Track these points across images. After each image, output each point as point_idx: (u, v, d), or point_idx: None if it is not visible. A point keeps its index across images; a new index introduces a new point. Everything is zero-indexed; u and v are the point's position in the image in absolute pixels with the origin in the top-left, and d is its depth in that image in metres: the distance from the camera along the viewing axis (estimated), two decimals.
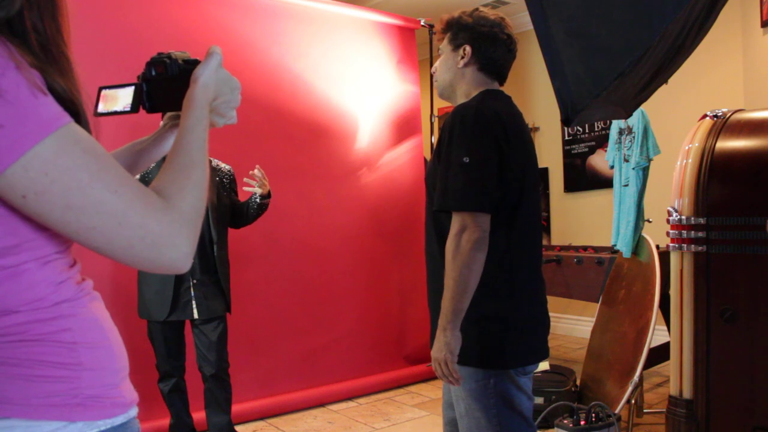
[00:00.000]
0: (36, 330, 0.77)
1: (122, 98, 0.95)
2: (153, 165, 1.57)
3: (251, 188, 2.90)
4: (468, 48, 1.77)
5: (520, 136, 1.72)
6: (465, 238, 1.58)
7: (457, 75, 1.81)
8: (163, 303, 2.74)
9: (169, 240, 0.77)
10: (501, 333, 1.68)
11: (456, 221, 1.61)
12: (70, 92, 0.78)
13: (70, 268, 0.83)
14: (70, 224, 0.73)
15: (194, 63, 0.95)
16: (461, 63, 1.78)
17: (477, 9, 1.82)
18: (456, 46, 1.79)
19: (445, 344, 1.60)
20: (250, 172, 2.88)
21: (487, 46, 1.76)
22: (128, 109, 0.95)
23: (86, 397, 0.79)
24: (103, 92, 0.97)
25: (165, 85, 0.96)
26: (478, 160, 1.60)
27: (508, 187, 1.65)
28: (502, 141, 1.64)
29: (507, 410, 1.70)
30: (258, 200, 2.92)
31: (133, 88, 0.95)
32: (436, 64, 1.88)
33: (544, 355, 1.78)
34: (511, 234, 1.69)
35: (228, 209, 2.93)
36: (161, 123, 1.12)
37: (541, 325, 1.80)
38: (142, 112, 0.98)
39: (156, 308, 2.76)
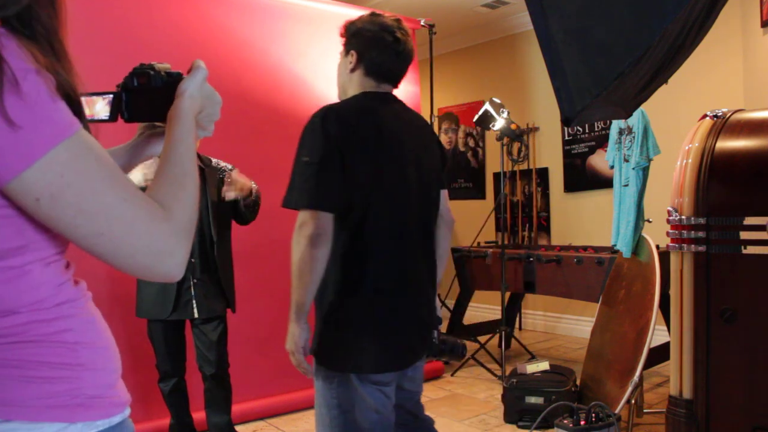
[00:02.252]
0: (37, 331, 0.77)
1: (101, 106, 0.96)
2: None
3: (231, 194, 2.78)
4: (354, 53, 1.81)
5: (378, 138, 1.72)
6: (302, 234, 1.64)
7: (346, 80, 1.85)
8: (165, 302, 2.73)
9: (169, 249, 0.78)
10: (339, 334, 1.70)
11: (298, 218, 1.67)
12: (76, 93, 0.79)
13: (67, 270, 0.83)
14: (79, 228, 0.74)
15: (176, 75, 0.96)
16: (349, 68, 1.82)
17: (373, 13, 1.85)
18: (346, 51, 1.84)
19: (290, 335, 1.69)
20: (226, 179, 2.78)
21: (371, 50, 1.78)
22: (106, 117, 0.95)
23: (87, 397, 0.79)
24: (83, 99, 0.98)
25: (146, 96, 0.96)
26: (317, 160, 1.64)
27: (355, 189, 1.66)
28: (344, 142, 1.65)
29: (344, 417, 1.69)
30: (241, 203, 2.84)
31: (112, 96, 0.95)
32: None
33: (391, 367, 1.73)
34: (359, 235, 1.68)
35: (229, 207, 2.92)
36: (137, 133, 1.10)
37: (398, 335, 1.75)
38: (119, 120, 0.98)
39: (158, 307, 2.75)
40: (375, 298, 1.70)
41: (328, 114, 1.68)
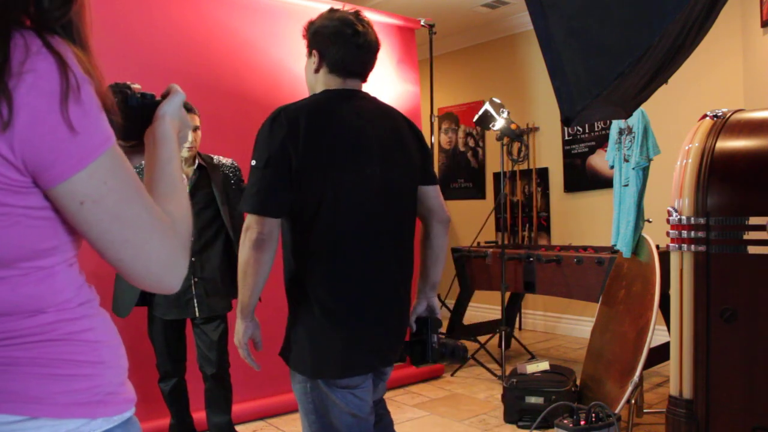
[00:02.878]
0: (63, 330, 0.79)
1: None
2: None
3: None
4: (316, 53, 1.77)
5: (332, 137, 1.67)
6: (247, 237, 1.63)
7: (312, 80, 1.81)
8: (131, 300, 2.69)
9: (175, 261, 0.82)
10: (303, 339, 1.68)
11: (245, 221, 1.65)
12: (105, 100, 0.82)
13: (80, 272, 0.86)
14: (109, 234, 0.77)
15: (150, 97, 0.98)
16: (314, 68, 1.79)
17: (332, 9, 1.79)
18: (309, 52, 1.80)
19: (236, 332, 1.73)
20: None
21: (331, 47, 1.73)
22: None
23: (105, 394, 0.82)
24: None
25: (119, 115, 0.97)
26: (262, 165, 1.62)
27: (305, 190, 1.62)
28: (292, 143, 1.61)
29: (321, 422, 1.68)
30: None
31: None
32: None
33: (357, 371, 1.69)
34: (313, 237, 1.64)
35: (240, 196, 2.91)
36: None
37: (361, 338, 1.69)
38: None
39: (124, 304, 2.70)
40: (331, 302, 1.65)
41: (278, 116, 1.66)
